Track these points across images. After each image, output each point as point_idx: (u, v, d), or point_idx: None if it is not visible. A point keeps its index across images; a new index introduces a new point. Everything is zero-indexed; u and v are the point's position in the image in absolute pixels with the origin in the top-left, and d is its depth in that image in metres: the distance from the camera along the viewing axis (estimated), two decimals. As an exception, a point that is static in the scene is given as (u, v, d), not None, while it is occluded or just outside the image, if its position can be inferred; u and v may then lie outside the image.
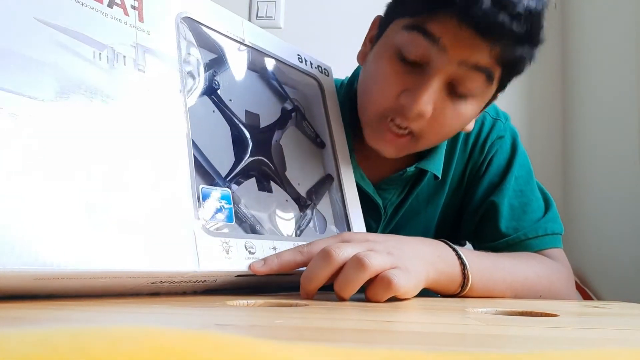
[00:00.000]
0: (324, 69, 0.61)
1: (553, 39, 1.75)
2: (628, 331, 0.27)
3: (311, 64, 0.59)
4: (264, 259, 0.41)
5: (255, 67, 0.52)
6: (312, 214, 0.53)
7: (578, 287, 1.45)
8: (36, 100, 0.30)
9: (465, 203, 0.66)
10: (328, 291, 0.43)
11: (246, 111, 0.49)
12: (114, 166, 0.33)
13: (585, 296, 1.41)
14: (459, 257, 0.48)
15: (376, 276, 0.39)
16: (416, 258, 0.43)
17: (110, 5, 0.37)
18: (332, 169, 0.57)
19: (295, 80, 0.58)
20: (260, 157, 0.49)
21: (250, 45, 0.51)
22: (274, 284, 0.47)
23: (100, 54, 0.35)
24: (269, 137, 0.51)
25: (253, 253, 0.42)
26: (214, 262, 0.38)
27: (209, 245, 0.38)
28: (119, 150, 0.34)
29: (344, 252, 0.39)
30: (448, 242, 0.50)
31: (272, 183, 0.49)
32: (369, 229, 0.61)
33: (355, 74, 0.67)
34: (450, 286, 0.48)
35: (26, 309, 0.26)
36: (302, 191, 0.53)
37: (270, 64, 0.54)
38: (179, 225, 0.36)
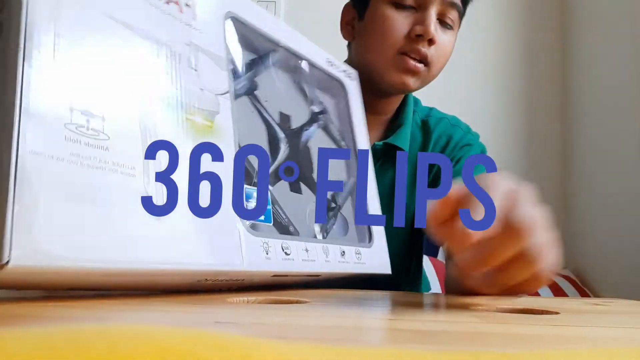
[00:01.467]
0: (350, 73, 0.63)
1: (553, 39, 1.75)
2: (629, 329, 0.27)
3: (339, 67, 0.61)
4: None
5: (289, 69, 0.53)
6: (337, 216, 0.54)
7: (577, 287, 1.45)
8: (111, 99, 0.31)
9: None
10: (329, 289, 0.43)
11: (280, 112, 0.50)
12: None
13: (584, 296, 1.41)
14: None
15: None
16: None
17: (167, 1, 0.37)
18: (354, 173, 0.57)
19: (323, 84, 0.58)
20: (289, 159, 0.49)
21: (286, 47, 0.51)
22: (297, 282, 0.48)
23: (159, 50, 0.35)
24: (298, 138, 0.52)
25: (288, 254, 0.42)
26: (257, 262, 0.39)
27: (252, 245, 0.39)
28: (181, 151, 0.34)
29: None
30: None
31: (301, 184, 0.50)
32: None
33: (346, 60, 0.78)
34: None
35: (26, 307, 0.26)
36: (328, 194, 0.53)
37: (302, 67, 0.55)
38: (226, 225, 0.37)
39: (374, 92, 0.71)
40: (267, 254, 0.40)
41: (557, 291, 1.41)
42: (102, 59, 0.31)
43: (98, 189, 0.29)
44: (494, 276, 0.37)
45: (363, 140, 0.61)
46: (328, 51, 0.77)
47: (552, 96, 1.70)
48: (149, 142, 0.32)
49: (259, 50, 0.49)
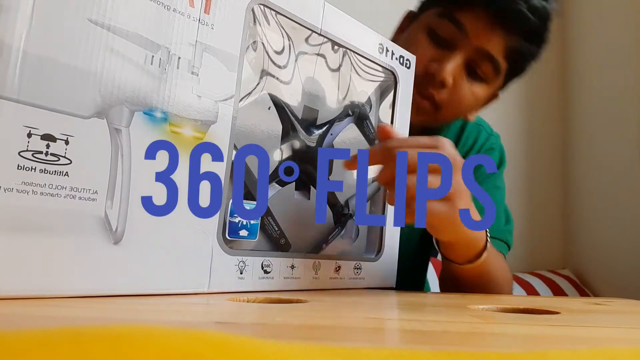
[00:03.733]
0: (407, 59, 0.56)
1: (553, 39, 1.75)
2: (629, 329, 0.27)
3: (393, 53, 0.54)
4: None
5: (327, 58, 0.48)
6: (345, 225, 0.50)
7: (577, 287, 1.45)
8: (80, 119, 0.29)
9: None
10: (327, 289, 0.43)
11: (305, 106, 0.46)
12: (145, 185, 0.32)
13: (584, 296, 1.41)
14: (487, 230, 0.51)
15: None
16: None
17: None
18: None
19: (370, 73, 0.53)
20: (304, 159, 0.46)
21: (325, 34, 0.46)
22: None
23: (152, 57, 0.33)
24: (322, 135, 0.48)
25: (268, 272, 0.40)
26: (225, 283, 0.37)
27: (224, 265, 0.37)
28: (156, 168, 0.32)
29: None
30: None
31: (312, 188, 0.46)
32: None
33: None
34: (472, 249, 0.50)
35: (26, 308, 0.26)
36: (342, 199, 0.49)
37: (344, 55, 0.49)
38: (197, 245, 0.35)
39: None
40: (240, 273, 0.38)
41: (557, 291, 1.41)
42: (74, 72, 0.29)
43: (50, 217, 0.28)
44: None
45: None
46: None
47: (552, 96, 1.70)
48: (120, 162, 0.31)
49: (291, 38, 0.44)
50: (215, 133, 0.36)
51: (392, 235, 0.53)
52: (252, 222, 0.40)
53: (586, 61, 1.59)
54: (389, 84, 0.54)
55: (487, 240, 0.51)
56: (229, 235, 0.39)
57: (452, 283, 0.56)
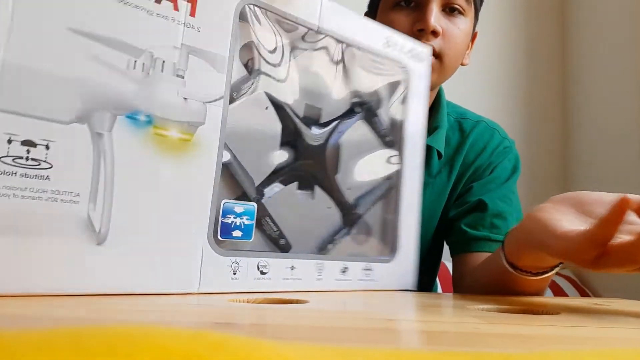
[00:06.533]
0: (419, 52, 0.53)
1: (553, 39, 1.75)
2: (629, 330, 0.27)
3: (403, 47, 0.51)
4: None
5: (330, 54, 0.46)
6: (354, 225, 0.48)
7: (577, 287, 1.45)
8: (60, 124, 0.30)
9: (462, 192, 0.72)
10: (326, 289, 0.43)
11: (306, 104, 0.44)
12: (132, 187, 0.33)
13: (584, 296, 1.41)
14: None
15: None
16: None
17: (158, 0, 0.34)
18: (393, 173, 0.50)
19: (377, 68, 0.50)
20: (307, 158, 0.45)
21: (322, 31, 0.45)
22: None
23: (135, 62, 0.33)
24: (326, 133, 0.46)
25: (265, 273, 0.40)
26: (218, 283, 0.37)
27: (217, 266, 0.37)
28: (141, 170, 0.33)
29: None
30: None
31: (316, 187, 0.45)
32: None
33: None
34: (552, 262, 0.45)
35: (26, 308, 0.26)
36: (351, 198, 0.47)
37: (348, 50, 0.47)
38: (187, 245, 0.36)
39: None
40: (234, 273, 0.38)
41: (557, 291, 1.41)
42: (54, 80, 0.30)
43: (33, 220, 0.29)
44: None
45: (417, 135, 0.52)
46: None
47: (552, 95, 1.70)
48: (102, 165, 0.32)
49: (286, 34, 0.43)
50: (203, 134, 0.37)
51: (409, 235, 0.50)
52: (245, 222, 0.40)
53: (586, 60, 1.59)
54: (400, 79, 0.51)
55: None
56: (220, 236, 0.38)
57: (497, 288, 0.51)
